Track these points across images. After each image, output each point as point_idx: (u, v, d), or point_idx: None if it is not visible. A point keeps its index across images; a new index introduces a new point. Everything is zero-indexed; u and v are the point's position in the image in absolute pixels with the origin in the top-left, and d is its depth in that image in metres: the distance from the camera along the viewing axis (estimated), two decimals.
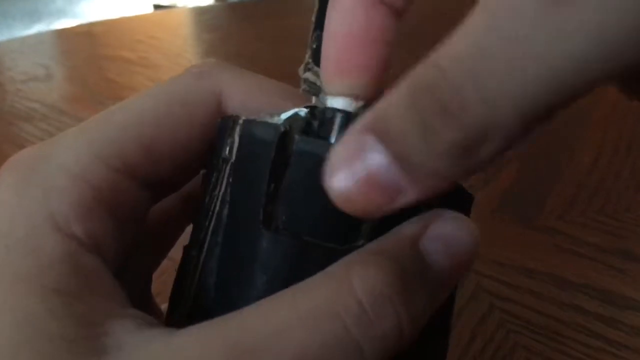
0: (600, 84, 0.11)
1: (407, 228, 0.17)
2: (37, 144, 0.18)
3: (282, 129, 0.17)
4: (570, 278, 0.36)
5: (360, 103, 0.18)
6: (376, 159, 0.14)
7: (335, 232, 0.17)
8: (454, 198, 0.18)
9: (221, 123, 0.19)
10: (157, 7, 2.76)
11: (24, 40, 0.88)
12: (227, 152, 0.18)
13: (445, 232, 0.17)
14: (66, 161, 0.17)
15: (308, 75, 0.19)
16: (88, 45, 0.85)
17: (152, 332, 0.15)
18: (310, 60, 0.20)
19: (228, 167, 0.18)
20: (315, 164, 0.17)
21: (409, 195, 0.14)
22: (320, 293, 0.16)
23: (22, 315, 0.15)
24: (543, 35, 0.11)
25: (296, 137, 0.17)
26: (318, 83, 0.19)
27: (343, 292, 0.15)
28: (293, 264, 0.17)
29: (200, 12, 1.10)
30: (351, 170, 0.14)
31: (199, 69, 0.20)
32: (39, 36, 0.94)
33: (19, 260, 0.15)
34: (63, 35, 0.91)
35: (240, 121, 0.18)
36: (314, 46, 0.20)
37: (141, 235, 0.20)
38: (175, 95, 0.19)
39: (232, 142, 0.18)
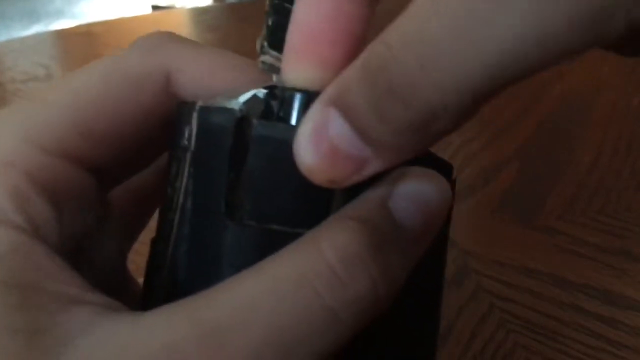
0: (545, 68, 0.12)
1: (374, 190, 0.16)
2: None
3: (239, 114, 0.17)
4: (570, 278, 0.36)
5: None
6: (339, 131, 0.14)
7: (303, 217, 0.16)
8: (432, 168, 0.17)
9: (178, 109, 0.18)
10: (155, 7, 2.76)
11: (24, 40, 0.88)
12: (185, 141, 0.18)
13: (413, 189, 0.16)
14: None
15: (265, 58, 0.18)
16: (88, 46, 0.85)
17: (117, 316, 0.15)
18: (265, 44, 0.18)
19: (188, 157, 0.18)
20: (276, 148, 0.16)
21: (375, 165, 0.15)
22: (288, 262, 0.15)
23: None
24: (481, 24, 0.12)
25: (254, 121, 0.17)
26: (277, 65, 0.18)
27: (311, 257, 0.15)
28: (262, 254, 0.16)
29: (199, 12, 1.10)
30: (317, 143, 0.15)
31: (147, 43, 0.19)
32: (39, 36, 0.94)
33: None
34: (63, 35, 0.91)
35: (197, 107, 0.17)
36: (269, 29, 0.19)
37: (105, 218, 0.19)
38: (118, 72, 0.18)
39: (190, 130, 0.18)
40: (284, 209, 0.17)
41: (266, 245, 0.16)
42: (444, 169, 0.18)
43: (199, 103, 0.17)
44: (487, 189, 0.46)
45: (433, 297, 0.19)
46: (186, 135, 0.18)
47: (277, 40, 0.18)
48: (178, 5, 2.78)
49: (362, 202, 0.16)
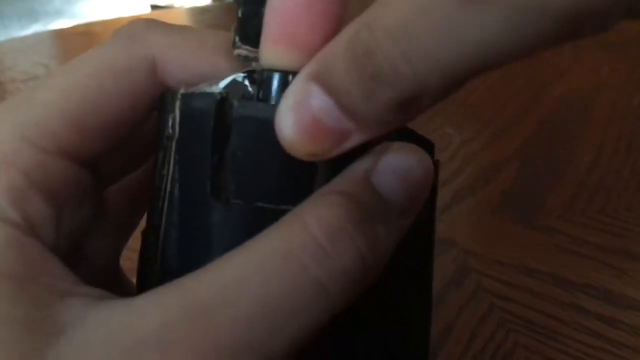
0: (524, 56, 0.13)
1: (357, 165, 0.17)
2: None
3: (219, 97, 0.17)
4: (570, 278, 0.36)
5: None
6: (321, 106, 0.15)
7: (288, 194, 0.17)
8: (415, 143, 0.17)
9: (161, 98, 0.18)
10: (154, 7, 2.76)
11: (24, 39, 0.87)
12: (170, 129, 0.18)
13: (395, 162, 0.17)
14: None
15: (239, 51, 0.18)
16: (88, 45, 0.85)
17: (108, 304, 0.15)
18: (236, 38, 0.18)
19: (173, 144, 0.18)
20: (258, 128, 0.17)
21: (356, 138, 0.15)
22: (274, 239, 0.15)
23: None
24: (460, 24, 0.12)
25: (235, 103, 0.17)
26: (251, 55, 0.18)
27: (297, 232, 0.15)
28: (250, 234, 0.16)
29: (198, 11, 1.10)
30: (298, 117, 0.15)
31: (128, 32, 0.19)
32: (39, 36, 0.94)
33: None
34: (63, 35, 0.91)
35: (179, 95, 0.18)
36: (240, 21, 0.18)
37: (101, 216, 0.20)
38: (104, 66, 0.18)
39: (174, 118, 0.18)
40: (269, 186, 0.17)
41: (254, 224, 0.16)
42: (425, 146, 0.18)
43: (181, 91, 0.18)
44: (487, 189, 0.46)
45: (423, 280, 0.20)
46: (170, 123, 0.18)
47: (249, 33, 0.18)
48: (177, 4, 2.78)
49: (345, 177, 0.16)
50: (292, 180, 0.17)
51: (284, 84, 0.17)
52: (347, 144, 0.15)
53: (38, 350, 0.14)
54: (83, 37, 0.88)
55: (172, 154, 0.18)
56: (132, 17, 1.00)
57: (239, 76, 0.18)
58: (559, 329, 0.33)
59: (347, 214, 0.15)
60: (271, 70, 0.17)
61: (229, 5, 1.12)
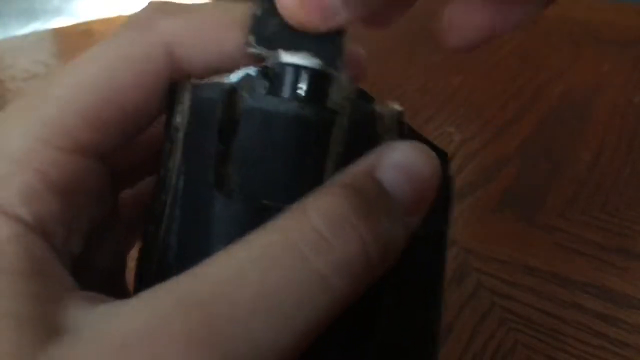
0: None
1: (362, 162, 0.16)
2: None
3: (229, 88, 0.16)
4: (571, 276, 0.36)
5: (317, 61, 0.17)
6: None
7: (293, 191, 0.16)
8: None
9: (170, 90, 0.18)
10: None
11: (24, 38, 0.87)
12: (178, 120, 0.18)
13: (401, 159, 0.16)
14: (8, 149, 0.16)
15: (253, 51, 0.18)
16: (88, 43, 0.84)
17: (104, 304, 0.15)
18: (250, 38, 0.18)
19: (181, 136, 0.17)
20: (266, 121, 0.16)
21: (342, 16, 0.17)
22: (274, 231, 0.15)
23: None
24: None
25: (244, 94, 0.16)
26: (264, 53, 0.18)
27: (297, 223, 0.15)
28: (251, 229, 0.15)
29: None
30: None
31: (140, 20, 0.18)
32: (39, 34, 0.94)
33: None
34: (63, 33, 0.91)
35: (189, 85, 0.17)
36: (254, 20, 0.18)
37: (112, 218, 0.19)
38: (116, 56, 0.18)
39: (183, 109, 0.17)
40: (274, 182, 0.16)
41: (256, 220, 0.16)
42: (439, 156, 0.18)
43: (191, 81, 0.17)
44: (488, 187, 0.46)
45: (434, 294, 0.19)
46: (178, 114, 0.17)
47: (263, 33, 0.18)
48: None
49: (348, 171, 0.16)
50: (299, 177, 0.16)
51: (296, 78, 0.17)
52: (335, 20, 0.17)
53: (31, 347, 0.13)
54: (83, 35, 0.88)
55: (179, 145, 0.17)
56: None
57: (252, 70, 0.17)
58: (560, 327, 0.33)
59: (349, 205, 0.15)
60: (284, 64, 0.17)
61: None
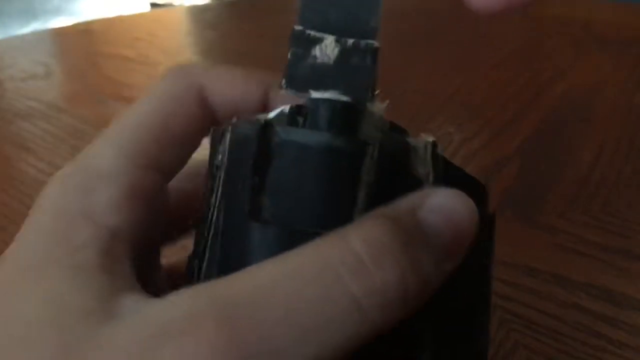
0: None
1: (404, 200, 0.17)
2: (77, 157, 0.20)
3: (263, 122, 0.17)
4: (571, 277, 0.36)
5: (346, 98, 0.18)
6: None
7: (325, 220, 0.17)
8: (465, 187, 0.17)
9: (213, 134, 0.19)
10: (153, 5, 2.76)
11: (23, 38, 0.87)
12: (219, 159, 0.18)
13: (443, 203, 0.17)
14: (101, 168, 0.19)
15: (286, 92, 0.19)
16: (87, 43, 0.85)
17: (155, 299, 0.16)
18: (283, 81, 0.19)
19: (222, 174, 0.18)
20: (299, 152, 0.17)
21: None
22: (313, 252, 0.15)
23: (50, 293, 0.16)
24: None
25: (278, 128, 0.17)
26: (297, 95, 0.19)
27: (338, 246, 0.15)
28: None
29: (198, 10, 1.09)
30: None
31: (177, 72, 0.21)
32: (38, 34, 0.94)
33: (52, 247, 0.17)
34: (62, 33, 0.91)
35: (229, 127, 0.18)
36: (288, 64, 0.19)
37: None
38: (165, 100, 0.21)
39: (224, 149, 0.18)
40: (307, 210, 0.17)
41: (291, 246, 0.16)
42: (477, 188, 0.19)
43: (232, 122, 0.18)
44: (488, 188, 0.46)
45: (480, 327, 0.20)
46: (220, 154, 0.18)
47: (295, 76, 0.19)
48: (176, 3, 2.78)
49: (391, 207, 0.17)
50: (331, 207, 0.17)
51: (326, 112, 0.17)
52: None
53: (85, 330, 0.15)
54: (82, 35, 0.88)
55: (220, 183, 0.18)
56: (132, 15, 1.00)
57: (288, 108, 0.18)
58: (560, 328, 0.33)
59: (392, 235, 0.15)
60: (315, 99, 0.18)
61: (228, 4, 1.12)
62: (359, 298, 0.14)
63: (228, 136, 0.18)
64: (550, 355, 0.31)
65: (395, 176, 0.17)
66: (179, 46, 0.85)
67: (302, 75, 0.19)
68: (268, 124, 0.17)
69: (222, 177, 0.18)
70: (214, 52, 0.83)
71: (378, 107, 0.19)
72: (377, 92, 0.19)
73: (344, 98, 0.18)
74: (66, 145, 0.55)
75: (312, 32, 0.19)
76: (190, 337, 0.14)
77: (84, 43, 0.85)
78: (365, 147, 0.17)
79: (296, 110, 0.18)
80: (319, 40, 0.19)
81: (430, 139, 0.18)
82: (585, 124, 0.55)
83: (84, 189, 0.18)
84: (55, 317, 0.16)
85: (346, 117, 0.18)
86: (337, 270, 0.15)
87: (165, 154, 0.20)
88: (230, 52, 0.80)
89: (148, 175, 0.20)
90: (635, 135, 0.53)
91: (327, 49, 0.19)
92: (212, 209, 0.18)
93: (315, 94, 0.19)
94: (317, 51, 0.19)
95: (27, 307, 0.16)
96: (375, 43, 0.19)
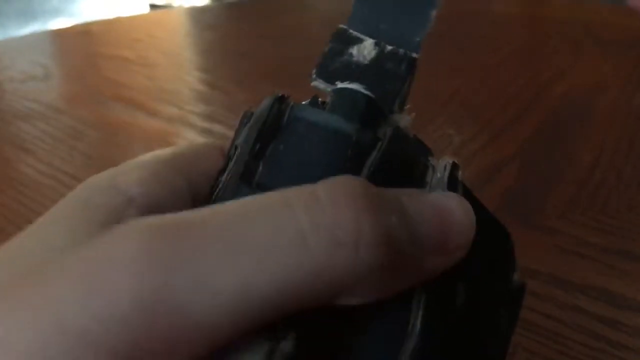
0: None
1: (403, 189, 0.16)
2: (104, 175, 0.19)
3: (279, 95, 0.17)
4: (571, 279, 0.36)
5: (369, 93, 0.18)
6: None
7: None
8: (488, 232, 0.17)
9: (242, 117, 0.19)
10: (152, 6, 2.76)
11: (22, 39, 0.87)
12: (239, 140, 0.18)
13: (434, 198, 0.16)
14: (128, 183, 0.18)
15: (315, 84, 0.19)
16: (86, 45, 0.85)
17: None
18: (314, 71, 0.19)
19: (237, 151, 0.18)
20: (306, 129, 0.17)
21: None
22: (274, 192, 0.15)
23: (58, 226, 0.16)
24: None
25: (293, 104, 0.17)
26: (324, 86, 0.19)
27: (300, 189, 0.15)
28: None
29: (197, 11, 1.09)
30: None
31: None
32: (37, 35, 0.94)
33: (75, 207, 0.17)
34: (61, 34, 0.91)
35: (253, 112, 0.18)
36: (323, 56, 0.19)
37: None
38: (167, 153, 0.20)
39: (245, 129, 0.18)
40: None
41: None
42: (500, 232, 0.19)
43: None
44: (488, 189, 0.46)
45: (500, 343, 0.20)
46: (241, 135, 0.18)
47: (327, 69, 0.19)
48: (175, 4, 2.78)
49: (386, 189, 0.16)
50: None
51: (345, 100, 0.18)
52: None
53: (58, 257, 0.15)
54: (81, 36, 0.88)
55: (234, 160, 0.18)
56: (131, 16, 1.00)
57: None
58: (559, 330, 0.33)
59: (363, 191, 0.15)
60: (337, 88, 0.18)
61: (227, 5, 1.12)
62: (305, 229, 0.14)
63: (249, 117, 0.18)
64: (550, 357, 0.31)
65: (401, 179, 0.17)
66: (178, 47, 0.85)
67: (334, 69, 0.19)
68: (285, 97, 0.17)
69: (236, 155, 0.18)
70: (213, 52, 0.83)
71: (405, 119, 0.19)
72: (406, 107, 0.19)
73: (368, 93, 0.18)
74: (65, 146, 0.55)
75: (355, 32, 0.19)
76: (117, 244, 0.14)
77: (83, 44, 0.85)
78: (375, 141, 0.17)
79: (314, 101, 0.18)
80: (358, 41, 0.19)
81: (451, 160, 0.18)
82: (585, 125, 0.55)
83: (112, 174, 0.18)
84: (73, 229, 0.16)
85: (364, 109, 0.18)
86: (289, 202, 0.14)
87: (193, 171, 0.20)
88: (229, 53, 0.80)
89: (176, 179, 0.19)
90: (635, 136, 0.53)
91: (365, 49, 0.19)
92: (219, 185, 0.18)
93: (341, 85, 0.19)
94: (354, 50, 0.19)
95: (37, 234, 0.16)
96: (415, 54, 0.19)
